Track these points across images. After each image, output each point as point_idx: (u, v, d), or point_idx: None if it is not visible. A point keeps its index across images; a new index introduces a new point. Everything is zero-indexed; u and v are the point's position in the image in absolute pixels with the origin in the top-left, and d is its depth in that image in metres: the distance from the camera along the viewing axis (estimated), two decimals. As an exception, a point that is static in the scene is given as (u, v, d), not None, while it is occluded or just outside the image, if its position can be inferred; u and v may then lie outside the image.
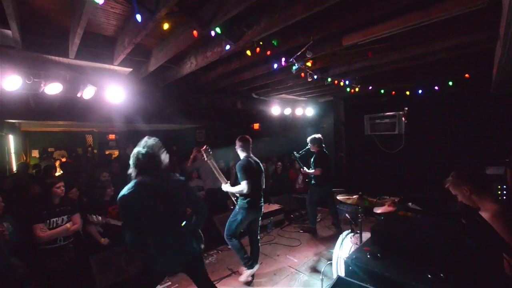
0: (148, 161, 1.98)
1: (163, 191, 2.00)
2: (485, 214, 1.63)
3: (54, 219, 2.92)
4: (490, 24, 2.38)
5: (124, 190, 1.92)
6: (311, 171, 4.64)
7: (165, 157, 2.09)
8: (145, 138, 2.09)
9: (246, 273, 3.17)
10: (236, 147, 3.30)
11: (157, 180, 2.00)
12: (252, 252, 3.31)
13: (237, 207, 3.19)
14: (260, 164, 3.31)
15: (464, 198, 1.75)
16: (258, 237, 3.38)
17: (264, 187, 3.34)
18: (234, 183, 5.33)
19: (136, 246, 2.02)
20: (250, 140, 3.27)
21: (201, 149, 3.37)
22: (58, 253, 2.89)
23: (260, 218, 3.35)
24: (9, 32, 2.28)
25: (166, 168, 2.11)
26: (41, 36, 2.59)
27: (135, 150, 2.02)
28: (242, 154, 3.23)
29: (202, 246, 2.22)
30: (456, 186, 1.76)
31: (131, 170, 2.00)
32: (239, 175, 3.07)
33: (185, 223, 2.09)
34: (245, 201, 3.11)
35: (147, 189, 1.95)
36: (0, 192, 3.11)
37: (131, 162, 2.00)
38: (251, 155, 3.25)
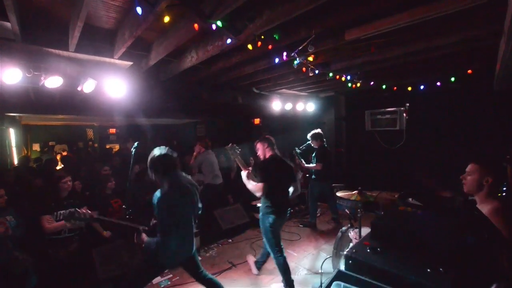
0: (169, 162, 2.10)
1: (188, 191, 2.15)
2: (483, 208, 1.64)
3: (62, 212, 2.97)
4: (494, 19, 2.35)
5: (161, 192, 2.00)
6: (312, 165, 4.65)
7: (177, 161, 2.21)
8: (160, 147, 2.18)
9: None
10: (258, 150, 3.03)
11: (182, 180, 2.16)
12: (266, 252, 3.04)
13: (260, 213, 2.92)
14: (290, 165, 3.03)
15: (474, 185, 1.66)
16: (282, 245, 2.96)
17: (298, 191, 3.03)
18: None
19: (172, 250, 2.04)
20: (272, 139, 3.02)
21: (226, 148, 3.10)
22: (62, 244, 2.96)
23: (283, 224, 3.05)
24: (8, 24, 2.26)
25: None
26: (40, 29, 2.56)
27: (154, 154, 2.11)
28: (268, 155, 2.96)
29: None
30: (479, 172, 1.65)
31: (154, 174, 2.09)
32: (258, 176, 2.82)
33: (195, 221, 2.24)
34: (266, 205, 2.85)
35: (180, 189, 2.10)
36: (3, 185, 3.13)
37: (152, 166, 2.09)
38: (277, 154, 2.98)
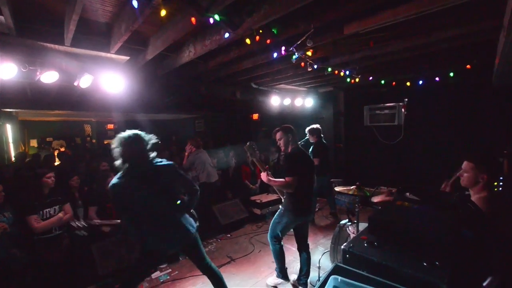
0: (133, 145, 1.97)
1: (151, 176, 2.03)
2: (473, 197, 1.67)
3: (47, 210, 2.93)
4: (494, 13, 2.34)
5: (114, 179, 1.97)
6: None
7: (150, 145, 2.06)
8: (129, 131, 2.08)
9: (276, 280, 2.91)
10: (279, 140, 2.80)
11: (145, 166, 2.02)
12: (302, 261, 2.87)
13: (281, 207, 2.79)
14: (310, 157, 2.85)
15: (471, 182, 1.71)
16: (308, 243, 2.90)
17: (314, 184, 2.82)
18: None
19: (131, 232, 2.04)
20: (294, 129, 2.80)
21: (244, 147, 2.92)
22: (55, 242, 2.93)
23: (308, 222, 2.93)
24: (1, 18, 2.22)
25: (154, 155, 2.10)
26: (35, 22, 2.52)
27: (118, 137, 2.00)
28: (290, 148, 2.76)
29: (197, 223, 2.27)
30: (474, 169, 1.70)
31: (118, 160, 2.00)
32: (287, 170, 2.63)
33: (180, 202, 2.14)
34: (290, 201, 2.66)
35: (137, 175, 1.98)
36: (1, 181, 3.12)
37: (116, 150, 1.98)
38: (300, 147, 2.82)
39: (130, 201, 1.97)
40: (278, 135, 2.81)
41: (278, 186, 2.72)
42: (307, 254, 2.87)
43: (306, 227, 2.90)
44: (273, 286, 2.93)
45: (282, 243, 2.84)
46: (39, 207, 2.89)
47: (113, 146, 1.99)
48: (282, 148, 2.82)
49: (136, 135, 2.02)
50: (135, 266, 2.14)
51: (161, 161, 2.13)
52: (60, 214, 2.98)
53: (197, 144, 4.77)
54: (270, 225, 2.86)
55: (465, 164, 1.76)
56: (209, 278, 2.33)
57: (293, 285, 2.86)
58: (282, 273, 2.87)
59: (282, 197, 2.88)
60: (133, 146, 1.98)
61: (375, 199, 2.53)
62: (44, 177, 2.96)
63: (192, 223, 2.21)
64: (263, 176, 2.76)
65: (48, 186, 2.99)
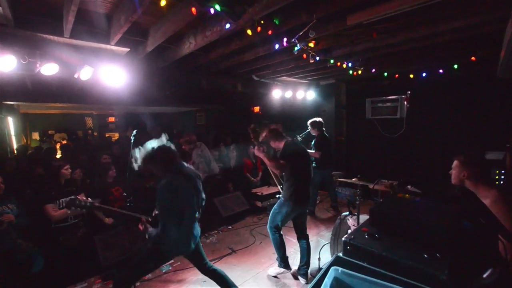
0: (169, 156, 2.07)
1: (190, 177, 2.12)
2: (484, 200, 1.65)
3: (63, 199, 3.02)
4: (501, 3, 2.29)
5: (165, 180, 1.98)
6: (311, 152, 4.66)
7: (176, 153, 2.16)
8: (150, 141, 2.13)
9: (278, 270, 2.97)
10: (269, 141, 2.96)
11: (185, 170, 2.13)
12: (302, 252, 2.94)
13: (281, 197, 2.87)
14: (305, 148, 3.01)
15: (456, 179, 1.79)
16: (307, 233, 3.00)
17: (313, 176, 3.02)
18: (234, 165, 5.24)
19: (173, 238, 2.01)
20: (278, 129, 3.00)
21: (248, 129, 3.02)
22: (70, 231, 3.06)
23: (306, 212, 3.05)
24: None
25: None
26: (34, 13, 2.49)
27: (152, 148, 2.06)
28: (280, 144, 2.91)
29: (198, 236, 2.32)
30: (457, 167, 1.78)
31: (154, 168, 2.06)
32: (280, 155, 2.82)
33: (198, 214, 2.21)
34: (289, 191, 2.77)
35: (184, 177, 2.07)
36: (4, 174, 3.15)
37: (147, 161, 2.05)
38: (289, 139, 2.97)
39: (180, 199, 1.99)
40: (265, 138, 2.99)
41: (269, 165, 2.84)
42: (307, 244, 2.92)
43: (305, 217, 2.99)
44: (274, 276, 2.98)
45: (281, 233, 2.90)
46: (55, 197, 3.02)
47: (142, 159, 2.07)
48: (277, 149, 2.97)
49: (160, 146, 2.10)
50: (141, 263, 2.12)
51: (190, 167, 2.27)
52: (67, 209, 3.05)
53: (191, 141, 4.51)
54: (270, 215, 2.92)
55: (453, 163, 1.84)
56: (212, 278, 2.36)
57: (293, 274, 2.92)
58: (284, 261, 2.92)
59: (280, 189, 2.96)
60: (164, 153, 2.08)
61: (374, 186, 2.53)
62: (62, 169, 3.13)
63: (197, 235, 2.26)
64: (256, 149, 2.88)
65: (65, 177, 3.17)
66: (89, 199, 2.06)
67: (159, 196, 1.97)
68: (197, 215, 2.21)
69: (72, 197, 2.01)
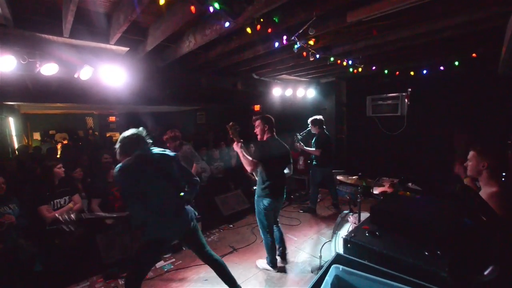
0: (137, 139, 2.11)
1: (155, 160, 2.12)
2: (484, 192, 1.65)
3: (57, 200, 3.00)
4: (502, -1, 2.27)
5: (123, 163, 2.01)
6: (312, 149, 4.66)
7: (144, 139, 2.18)
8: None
9: (266, 266, 3.08)
10: (256, 128, 2.98)
11: (147, 151, 2.13)
12: (276, 238, 3.09)
13: (255, 196, 2.97)
14: (287, 148, 3.04)
15: (473, 171, 1.74)
16: (279, 224, 3.22)
17: (290, 172, 3.11)
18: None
19: (137, 219, 2.08)
20: (273, 119, 3.00)
21: (227, 126, 2.95)
22: (65, 232, 2.95)
23: (280, 206, 3.16)
24: (-1, 8, 2.19)
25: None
26: (33, 13, 2.48)
27: (121, 135, 2.12)
28: (266, 136, 2.96)
29: (196, 214, 2.35)
30: (475, 158, 1.73)
31: (120, 156, 2.09)
32: (254, 154, 2.86)
33: (183, 194, 2.22)
34: (262, 188, 2.88)
35: (146, 160, 2.07)
36: (5, 174, 3.15)
37: (118, 148, 2.09)
38: (276, 137, 2.99)
39: (137, 184, 2.00)
40: (256, 123, 2.99)
41: (243, 160, 2.84)
42: (279, 231, 3.17)
43: (278, 211, 3.18)
44: (262, 269, 3.13)
45: (275, 233, 3.05)
46: (50, 198, 2.98)
47: (116, 144, 2.12)
48: (259, 137, 3.00)
49: (131, 133, 2.15)
50: (139, 256, 2.13)
51: (159, 149, 2.24)
52: (70, 205, 3.05)
53: (176, 137, 4.02)
54: (257, 219, 3.01)
55: (470, 153, 1.79)
56: (211, 266, 2.37)
57: (279, 267, 3.08)
58: (272, 263, 3.05)
59: (254, 188, 3.08)
60: (133, 138, 2.12)
61: (377, 190, 2.54)
62: (55, 168, 3.06)
63: (193, 212, 2.28)
64: (235, 145, 2.88)
65: (59, 176, 3.11)
66: (72, 216, 2.09)
67: (116, 182, 2.00)
68: (182, 194, 2.21)
69: (56, 218, 2.04)
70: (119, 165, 2.02)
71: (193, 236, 2.29)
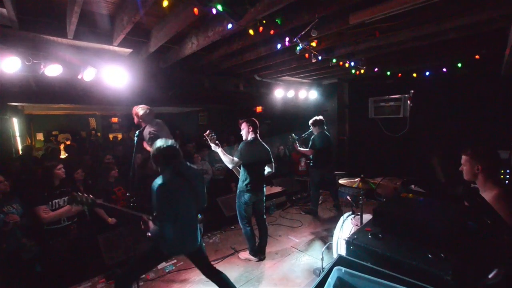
0: (170, 153, 2.08)
1: (188, 175, 2.13)
2: (486, 196, 1.64)
3: (56, 201, 2.99)
4: (505, 1, 2.26)
5: (161, 179, 1.99)
6: (304, 150, 4.66)
7: (180, 152, 2.18)
8: (160, 139, 2.15)
9: (247, 256, 3.36)
10: (242, 129, 3.27)
11: (184, 169, 2.15)
12: (260, 233, 3.42)
13: (237, 190, 3.26)
14: (268, 150, 3.32)
15: (469, 175, 1.74)
16: (264, 217, 3.44)
17: (272, 171, 3.38)
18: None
19: (166, 233, 2.05)
20: (257, 122, 3.28)
21: (205, 134, 3.25)
22: (62, 233, 2.99)
23: (264, 199, 3.41)
24: (4, 10, 2.21)
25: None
26: (37, 15, 2.51)
27: (156, 145, 2.09)
28: (250, 137, 3.22)
29: (202, 218, 2.37)
30: (469, 162, 1.73)
31: (155, 165, 2.10)
32: (236, 152, 3.13)
33: (200, 216, 2.25)
34: (243, 184, 3.15)
35: (182, 177, 2.08)
36: (9, 174, 3.16)
37: (153, 157, 2.08)
38: (259, 138, 3.25)
39: (174, 203, 2.02)
40: (242, 125, 3.26)
41: (223, 158, 3.14)
42: (264, 226, 3.41)
43: (261, 205, 3.37)
44: (244, 259, 3.37)
45: (251, 225, 3.28)
46: (48, 198, 2.97)
47: (152, 154, 2.10)
48: (244, 137, 3.27)
49: (167, 144, 2.11)
50: (141, 260, 2.16)
51: (194, 166, 2.30)
52: (69, 205, 3.04)
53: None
54: (237, 212, 3.28)
55: (462, 159, 1.79)
56: (215, 281, 2.33)
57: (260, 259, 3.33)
58: (253, 251, 3.31)
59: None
60: (167, 151, 2.08)
61: (380, 189, 2.52)
62: (55, 169, 3.04)
63: (200, 230, 2.30)
64: (219, 150, 3.16)
65: (59, 177, 3.09)
66: (91, 196, 2.06)
67: (153, 195, 1.98)
68: (199, 216, 2.22)
69: (74, 193, 2.00)
70: (159, 180, 1.99)
71: (199, 252, 2.30)
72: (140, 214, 2.13)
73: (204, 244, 2.38)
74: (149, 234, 2.07)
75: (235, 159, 3.10)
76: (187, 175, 2.14)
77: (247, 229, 3.25)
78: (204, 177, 2.28)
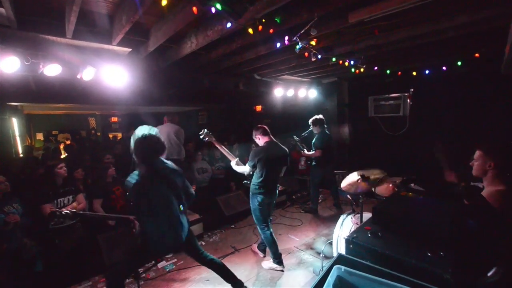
0: (150, 146, 2.03)
1: (164, 174, 2.09)
2: (489, 190, 1.63)
3: (61, 199, 3.02)
4: (506, -2, 2.26)
5: (132, 178, 1.99)
6: (311, 152, 4.65)
7: (163, 146, 2.13)
8: (143, 127, 2.10)
9: (272, 265, 3.13)
10: (254, 137, 3.23)
11: (158, 163, 2.09)
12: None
13: (250, 193, 3.14)
14: (285, 150, 3.20)
15: (479, 170, 1.71)
16: (271, 218, 3.35)
17: (281, 175, 3.31)
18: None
19: (146, 229, 2.08)
20: (265, 127, 3.24)
21: (199, 134, 3.38)
22: (67, 232, 3.01)
23: (274, 202, 3.29)
24: (2, 10, 2.21)
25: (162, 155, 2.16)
26: (36, 14, 2.50)
27: (136, 135, 2.04)
28: (263, 143, 3.16)
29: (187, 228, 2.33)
30: (482, 157, 1.70)
31: (134, 156, 2.04)
32: (249, 159, 3.07)
33: (182, 207, 2.20)
34: (256, 185, 3.05)
35: (153, 172, 2.03)
36: (10, 174, 3.17)
37: (133, 148, 2.03)
38: (273, 140, 3.19)
39: (149, 200, 2.01)
40: (254, 135, 3.25)
41: (241, 171, 3.23)
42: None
43: (271, 207, 3.26)
44: (268, 269, 3.14)
45: (271, 229, 3.13)
46: (53, 197, 3.00)
47: (131, 145, 2.04)
48: (259, 145, 3.24)
49: (150, 135, 2.05)
50: (128, 259, 2.17)
51: (169, 163, 2.21)
52: (74, 204, 3.06)
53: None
54: (253, 216, 3.15)
55: (476, 153, 1.75)
56: (210, 267, 2.41)
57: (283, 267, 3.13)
58: (277, 258, 3.09)
59: (247, 181, 3.26)
60: (148, 145, 2.03)
61: (379, 190, 2.52)
62: (56, 168, 3.07)
63: (186, 221, 2.28)
64: (233, 163, 3.33)
65: (62, 176, 3.12)
66: (68, 209, 2.08)
67: (130, 192, 1.96)
68: (182, 208, 2.20)
69: (53, 210, 2.02)
70: (133, 177, 1.98)
71: (189, 243, 2.31)
72: (126, 216, 2.14)
73: (195, 236, 2.40)
74: (135, 231, 2.10)
75: (248, 166, 3.08)
76: (163, 171, 2.09)
77: (267, 233, 3.08)
78: (181, 173, 2.24)
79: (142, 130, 2.05)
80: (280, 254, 3.11)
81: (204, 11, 2.14)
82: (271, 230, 3.12)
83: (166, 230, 2.09)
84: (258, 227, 3.16)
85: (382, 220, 1.52)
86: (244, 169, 3.13)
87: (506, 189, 1.59)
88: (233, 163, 3.33)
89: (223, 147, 3.40)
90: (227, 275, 2.43)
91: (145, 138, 2.01)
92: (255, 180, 3.07)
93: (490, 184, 1.67)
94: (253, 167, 3.05)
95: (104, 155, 4.37)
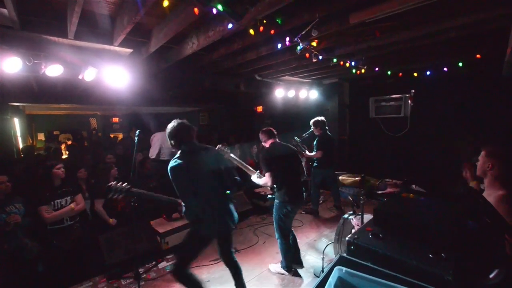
0: (184, 130, 2.16)
1: (203, 155, 2.19)
2: (490, 195, 1.63)
3: (58, 201, 3.00)
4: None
5: (171, 162, 2.07)
6: (313, 154, 4.64)
7: (194, 129, 2.25)
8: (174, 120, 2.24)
9: (279, 270, 3.04)
10: (261, 140, 3.13)
11: (196, 145, 2.20)
12: (291, 244, 3.06)
13: (276, 200, 2.95)
14: (292, 148, 3.09)
15: (480, 170, 1.73)
16: (293, 231, 3.12)
17: (305, 176, 3.17)
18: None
19: (193, 214, 2.15)
20: (273, 129, 3.12)
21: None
22: (65, 233, 3.01)
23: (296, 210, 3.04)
24: (5, 11, 2.22)
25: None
26: (38, 15, 2.52)
27: (171, 124, 2.18)
28: (268, 144, 3.04)
29: (237, 218, 2.40)
30: (483, 157, 1.72)
31: (172, 142, 2.17)
32: (262, 168, 2.90)
33: (229, 192, 2.29)
34: (281, 192, 2.87)
35: (191, 154, 2.13)
36: (12, 174, 3.16)
37: (169, 134, 2.17)
38: (277, 141, 3.06)
39: (190, 179, 2.06)
40: (260, 137, 3.14)
41: (262, 184, 2.97)
42: (293, 235, 3.10)
43: (293, 215, 3.07)
44: (275, 272, 3.06)
45: (291, 240, 2.98)
46: (50, 198, 2.97)
47: (168, 135, 2.18)
48: (265, 146, 3.10)
49: (182, 121, 2.21)
50: (184, 244, 2.26)
51: (208, 146, 2.34)
52: (72, 205, 3.06)
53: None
54: (274, 223, 2.98)
55: (481, 153, 1.77)
56: (230, 268, 2.42)
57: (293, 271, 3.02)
58: (288, 267, 3.00)
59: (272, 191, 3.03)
60: (182, 127, 2.17)
61: (380, 192, 2.52)
62: (54, 169, 3.04)
63: (235, 216, 2.36)
64: (254, 176, 3.07)
65: (59, 177, 3.08)
66: (126, 184, 2.10)
67: (170, 176, 2.04)
68: (228, 193, 2.26)
69: (110, 184, 2.05)
70: (172, 161, 2.06)
71: (228, 239, 2.39)
72: (175, 199, 2.20)
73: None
74: (183, 215, 2.18)
75: (266, 175, 2.84)
76: (201, 154, 2.18)
77: (284, 244, 2.91)
78: (223, 156, 2.35)
79: (173, 121, 2.20)
80: (291, 266, 3.00)
81: (205, 12, 2.15)
82: (290, 243, 2.98)
83: (212, 211, 2.15)
84: (277, 235, 2.95)
85: (383, 221, 1.51)
86: (265, 180, 2.86)
87: (506, 193, 1.58)
88: (254, 177, 3.08)
89: (242, 162, 3.11)
90: (240, 283, 2.42)
91: (179, 123, 2.17)
92: (278, 188, 2.88)
93: (490, 185, 1.68)
94: (270, 170, 2.81)
95: (106, 155, 4.38)
